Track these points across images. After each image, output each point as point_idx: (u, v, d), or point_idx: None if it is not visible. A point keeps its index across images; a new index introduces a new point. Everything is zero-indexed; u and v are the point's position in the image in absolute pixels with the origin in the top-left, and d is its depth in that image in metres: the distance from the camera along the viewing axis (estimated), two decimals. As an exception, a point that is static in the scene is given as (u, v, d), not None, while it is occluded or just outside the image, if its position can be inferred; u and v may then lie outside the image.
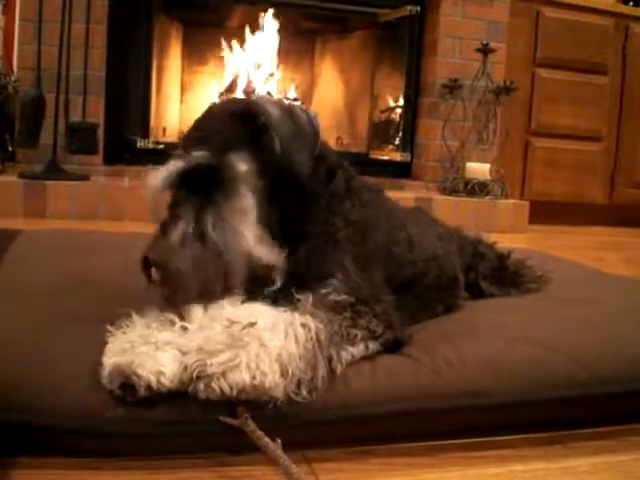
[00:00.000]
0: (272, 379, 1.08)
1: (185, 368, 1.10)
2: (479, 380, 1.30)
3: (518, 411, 1.32)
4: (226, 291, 1.23)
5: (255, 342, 1.11)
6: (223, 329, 1.14)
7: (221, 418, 1.10)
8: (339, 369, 1.21)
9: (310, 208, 1.38)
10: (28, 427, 1.10)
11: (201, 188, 1.26)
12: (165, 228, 1.24)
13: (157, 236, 1.25)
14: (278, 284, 1.30)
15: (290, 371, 1.11)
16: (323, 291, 1.26)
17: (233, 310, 1.19)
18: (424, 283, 1.66)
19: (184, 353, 1.12)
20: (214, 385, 1.07)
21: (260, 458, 1.10)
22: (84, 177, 3.78)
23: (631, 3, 5.44)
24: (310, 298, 1.24)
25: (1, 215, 3.36)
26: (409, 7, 4.61)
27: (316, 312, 1.20)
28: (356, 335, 1.26)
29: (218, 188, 1.26)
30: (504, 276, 2.01)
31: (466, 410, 1.27)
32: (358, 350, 1.27)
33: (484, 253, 2.01)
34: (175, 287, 1.22)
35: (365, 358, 1.28)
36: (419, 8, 4.64)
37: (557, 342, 1.46)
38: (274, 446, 1.07)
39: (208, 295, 1.22)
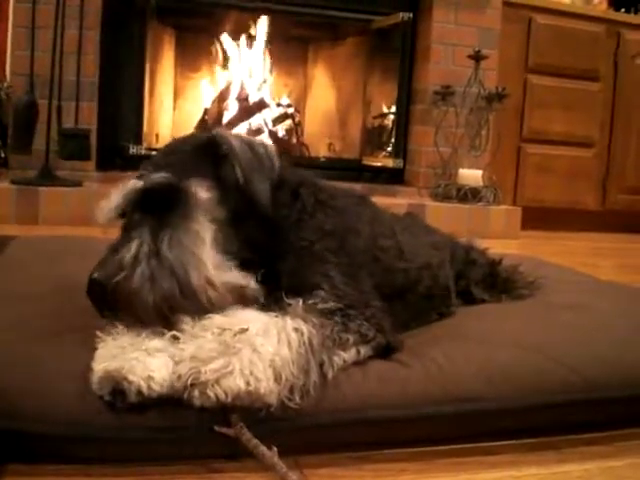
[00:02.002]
0: (266, 385, 1.08)
1: (179, 377, 1.09)
2: (471, 386, 1.30)
3: (510, 417, 1.32)
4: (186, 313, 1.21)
5: (248, 348, 1.10)
6: (215, 337, 1.14)
7: (216, 428, 1.10)
8: (330, 374, 1.21)
9: (278, 231, 1.38)
10: (18, 434, 1.09)
11: (158, 209, 1.24)
12: (116, 248, 1.22)
13: (105, 256, 1.23)
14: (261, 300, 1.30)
15: (284, 376, 1.11)
16: (310, 301, 1.25)
17: (224, 317, 1.19)
18: (417, 292, 1.66)
19: (176, 362, 1.12)
20: (209, 392, 1.07)
21: (253, 464, 1.10)
22: (77, 183, 3.77)
23: (623, 10, 5.45)
24: (301, 303, 1.23)
25: (-7, 221, 3.36)
26: (401, 14, 4.62)
27: (307, 316, 1.20)
28: (348, 340, 1.26)
29: (176, 210, 1.24)
30: (496, 282, 2.01)
31: (458, 416, 1.27)
32: (350, 355, 1.26)
33: (476, 259, 2.02)
34: (126, 306, 1.19)
35: (357, 363, 1.28)
36: (411, 15, 4.65)
37: (549, 348, 1.47)
38: (270, 454, 1.07)
39: (164, 315, 1.20)
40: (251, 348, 1.11)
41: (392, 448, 1.23)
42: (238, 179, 1.30)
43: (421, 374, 1.30)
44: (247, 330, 1.14)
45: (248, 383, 1.07)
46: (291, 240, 1.38)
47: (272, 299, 1.29)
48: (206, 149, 1.34)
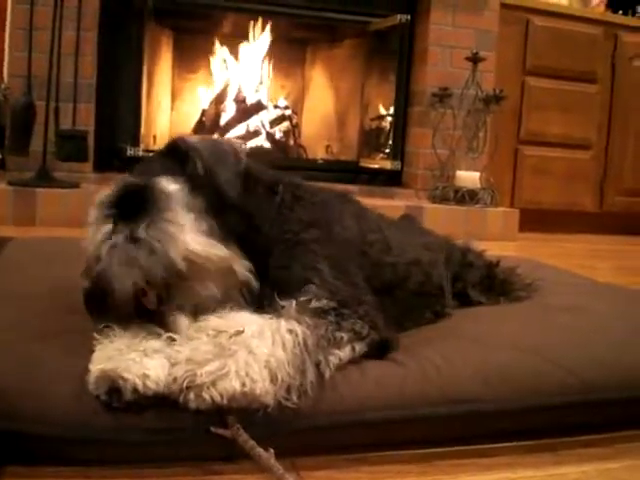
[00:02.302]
0: (262, 386, 1.08)
1: (175, 379, 1.09)
2: (468, 388, 1.30)
3: (508, 418, 1.32)
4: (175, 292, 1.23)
5: (243, 350, 1.11)
6: (210, 339, 1.14)
7: (212, 429, 1.10)
8: (328, 373, 1.21)
9: (260, 225, 1.39)
10: (16, 435, 1.09)
11: (132, 210, 1.26)
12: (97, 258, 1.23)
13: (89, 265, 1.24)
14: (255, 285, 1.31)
15: (280, 377, 1.11)
16: (303, 298, 1.26)
17: (219, 319, 1.19)
18: (406, 288, 1.66)
19: (172, 364, 1.12)
20: (204, 394, 1.07)
21: (250, 466, 1.10)
22: (74, 185, 3.77)
23: (620, 12, 5.46)
24: (294, 304, 1.23)
25: (-10, 222, 3.36)
26: (399, 16, 4.62)
27: (301, 318, 1.20)
28: (342, 338, 1.26)
29: (149, 206, 1.26)
30: (493, 284, 2.01)
31: (455, 418, 1.27)
32: (345, 353, 1.26)
33: (473, 262, 2.01)
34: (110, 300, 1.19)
35: (354, 365, 1.28)
36: (409, 17, 4.65)
37: (547, 349, 1.47)
38: (267, 456, 1.07)
39: (149, 306, 1.22)
40: (246, 350, 1.11)
41: (389, 450, 1.23)
42: (201, 174, 1.33)
43: (418, 375, 1.30)
44: (242, 332, 1.14)
45: (244, 384, 1.07)
46: (274, 234, 1.40)
47: (262, 295, 1.30)
48: (169, 153, 1.39)
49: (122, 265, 1.19)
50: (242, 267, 1.30)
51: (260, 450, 1.07)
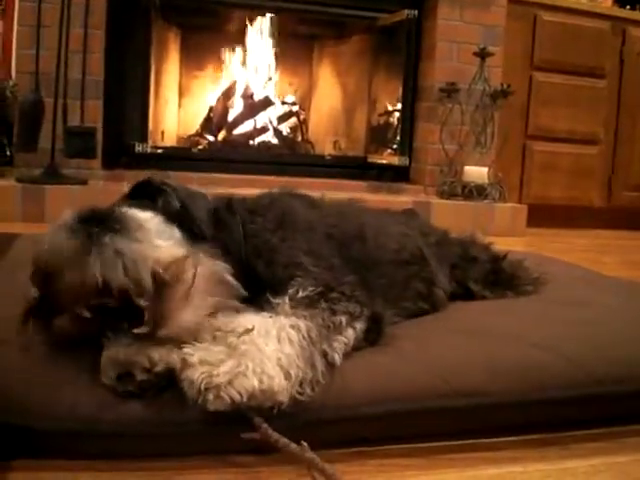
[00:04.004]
0: (279, 382, 1.08)
1: (191, 383, 1.08)
2: (476, 381, 1.30)
3: (514, 412, 1.32)
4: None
5: (254, 348, 1.11)
6: (219, 339, 1.14)
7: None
8: (337, 360, 1.22)
9: (233, 250, 1.37)
10: (26, 429, 1.10)
11: (99, 230, 1.15)
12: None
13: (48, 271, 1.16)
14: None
15: (293, 373, 1.11)
16: (291, 291, 1.27)
17: (223, 320, 1.18)
18: (383, 259, 1.67)
19: (185, 367, 1.10)
20: (223, 394, 1.06)
21: (265, 459, 1.10)
22: (82, 181, 3.79)
23: (628, 7, 5.44)
24: (287, 300, 1.24)
25: (-1, 219, 3.37)
26: (407, 11, 4.62)
27: (298, 312, 1.21)
28: (340, 322, 1.26)
29: (118, 226, 1.17)
30: (499, 279, 2.01)
31: (462, 411, 1.27)
32: (348, 336, 1.28)
33: (476, 256, 2.01)
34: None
35: (360, 357, 1.28)
36: (416, 12, 4.65)
37: (554, 343, 1.47)
38: (302, 450, 1.07)
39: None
40: (257, 348, 1.11)
41: (396, 444, 1.23)
42: (176, 209, 1.32)
43: (425, 369, 1.30)
44: (251, 330, 1.14)
45: (261, 381, 1.07)
46: (249, 251, 1.39)
47: (254, 300, 1.29)
48: (138, 191, 1.37)
49: (107, 258, 1.10)
50: (224, 270, 1.24)
51: (294, 446, 1.07)
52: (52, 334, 1.20)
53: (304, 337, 1.16)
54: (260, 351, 1.10)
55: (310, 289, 1.28)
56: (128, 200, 1.34)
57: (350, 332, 1.29)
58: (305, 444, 1.07)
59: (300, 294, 1.26)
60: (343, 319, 1.27)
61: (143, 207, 1.29)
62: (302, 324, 1.18)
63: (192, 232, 1.30)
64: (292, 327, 1.17)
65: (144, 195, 1.35)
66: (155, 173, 1.44)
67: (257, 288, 1.31)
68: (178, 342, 1.13)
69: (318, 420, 1.16)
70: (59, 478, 1.07)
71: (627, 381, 1.40)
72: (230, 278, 1.25)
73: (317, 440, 1.16)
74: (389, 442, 1.23)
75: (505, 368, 1.35)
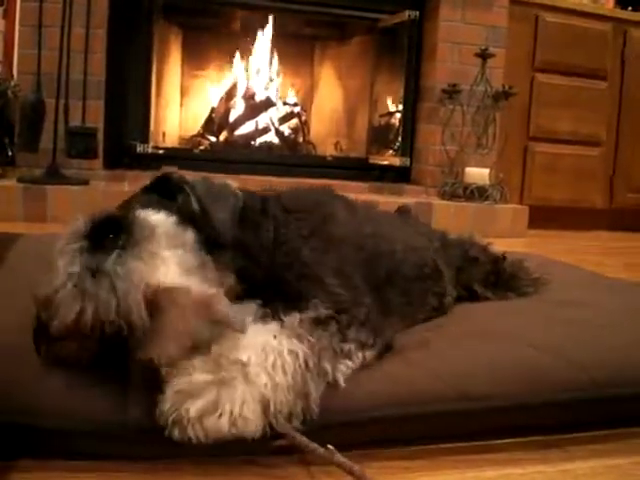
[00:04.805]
0: (254, 425, 1.03)
1: (161, 414, 1.03)
2: (478, 383, 1.30)
3: (516, 414, 1.32)
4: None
5: (240, 379, 1.05)
6: (208, 361, 1.07)
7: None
8: (341, 381, 1.18)
9: (257, 255, 1.32)
10: (29, 429, 1.10)
11: (105, 244, 1.11)
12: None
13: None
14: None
15: (276, 407, 1.06)
16: (303, 310, 1.21)
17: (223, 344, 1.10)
18: (405, 273, 1.65)
19: (161, 397, 1.05)
20: (189, 431, 1.01)
21: (273, 460, 1.10)
22: (84, 181, 3.79)
23: (630, 8, 5.44)
24: (297, 317, 1.19)
25: (1, 219, 3.37)
26: (408, 12, 4.62)
27: (303, 335, 1.15)
28: (350, 350, 1.23)
29: (125, 240, 1.12)
30: (499, 279, 2.00)
31: (464, 414, 1.27)
32: (355, 361, 1.24)
33: (477, 257, 2.00)
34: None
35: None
36: (418, 13, 4.65)
37: (556, 345, 1.47)
38: (330, 453, 1.07)
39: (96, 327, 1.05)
40: (244, 378, 1.05)
41: (398, 446, 1.23)
42: (195, 210, 1.25)
43: (428, 372, 1.30)
44: (246, 365, 1.07)
45: (234, 424, 1.02)
46: (276, 259, 1.34)
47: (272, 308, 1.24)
48: (158, 185, 1.30)
49: (72, 294, 1.05)
50: (224, 305, 1.12)
51: (322, 449, 1.07)
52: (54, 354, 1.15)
53: (300, 366, 1.11)
54: (247, 382, 1.05)
55: (323, 311, 1.22)
56: (146, 195, 1.28)
57: (358, 358, 1.24)
58: (332, 447, 1.07)
59: (311, 314, 1.20)
60: (352, 347, 1.23)
61: (159, 206, 1.23)
62: (301, 351, 1.12)
63: (211, 235, 1.24)
64: (290, 353, 1.11)
65: (164, 191, 1.28)
66: (171, 170, 1.36)
67: (279, 296, 1.26)
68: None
69: (321, 424, 1.15)
70: (62, 478, 1.07)
71: (628, 384, 1.40)
72: (225, 303, 1.13)
73: (320, 444, 1.16)
74: (391, 444, 1.23)
75: (507, 371, 1.35)
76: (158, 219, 1.19)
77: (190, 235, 1.21)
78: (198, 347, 1.07)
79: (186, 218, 1.23)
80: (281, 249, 1.35)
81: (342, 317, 1.25)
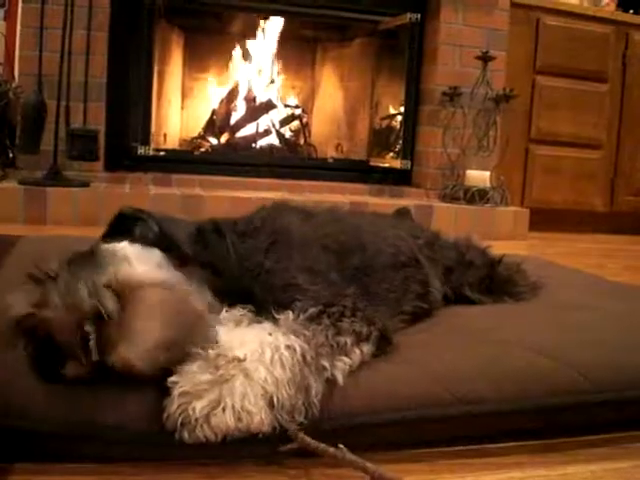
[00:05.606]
0: (259, 418, 1.06)
1: (168, 416, 1.06)
2: (477, 387, 1.30)
3: (516, 418, 1.32)
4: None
5: (240, 375, 1.07)
6: (207, 362, 1.09)
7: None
8: (340, 378, 1.19)
9: (222, 270, 1.34)
10: (26, 432, 1.10)
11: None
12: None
13: None
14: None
15: (279, 402, 1.08)
16: (293, 312, 1.23)
17: (221, 335, 1.14)
18: (379, 262, 1.66)
19: (166, 397, 1.07)
20: (198, 432, 1.04)
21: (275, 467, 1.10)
22: (85, 183, 3.79)
23: (631, 11, 5.44)
24: (290, 315, 1.21)
25: (1, 221, 3.37)
26: (409, 15, 4.62)
27: (298, 330, 1.17)
28: (345, 343, 1.23)
29: (95, 260, 1.15)
30: (495, 283, 2.00)
31: (464, 417, 1.27)
32: (353, 357, 1.24)
33: (472, 261, 2.00)
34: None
35: (363, 365, 1.27)
36: (419, 16, 4.64)
37: (555, 349, 1.47)
38: (342, 453, 1.08)
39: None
40: (244, 374, 1.08)
41: (398, 450, 1.23)
42: (155, 233, 1.29)
43: (427, 376, 1.30)
44: (243, 361, 1.09)
45: (239, 419, 1.05)
46: (242, 273, 1.36)
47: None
48: (115, 227, 1.34)
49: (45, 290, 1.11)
50: (199, 301, 1.17)
51: (333, 450, 1.08)
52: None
53: (298, 360, 1.12)
54: (247, 378, 1.07)
55: (311, 310, 1.23)
56: (105, 239, 1.30)
57: (356, 355, 1.25)
58: (343, 447, 1.08)
59: (301, 316, 1.22)
60: (348, 340, 1.24)
61: (121, 240, 1.25)
62: (298, 345, 1.14)
63: (176, 255, 1.27)
64: (287, 348, 1.13)
65: (121, 230, 1.32)
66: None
67: (256, 307, 1.29)
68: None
69: (318, 429, 1.15)
70: (61, 481, 1.07)
71: (628, 387, 1.40)
72: (206, 302, 1.20)
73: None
74: (391, 448, 1.23)
75: (506, 375, 1.35)
76: (123, 245, 1.22)
77: (157, 253, 1.24)
78: (172, 350, 1.08)
79: (149, 243, 1.26)
80: (244, 265, 1.37)
81: (332, 310, 1.26)
